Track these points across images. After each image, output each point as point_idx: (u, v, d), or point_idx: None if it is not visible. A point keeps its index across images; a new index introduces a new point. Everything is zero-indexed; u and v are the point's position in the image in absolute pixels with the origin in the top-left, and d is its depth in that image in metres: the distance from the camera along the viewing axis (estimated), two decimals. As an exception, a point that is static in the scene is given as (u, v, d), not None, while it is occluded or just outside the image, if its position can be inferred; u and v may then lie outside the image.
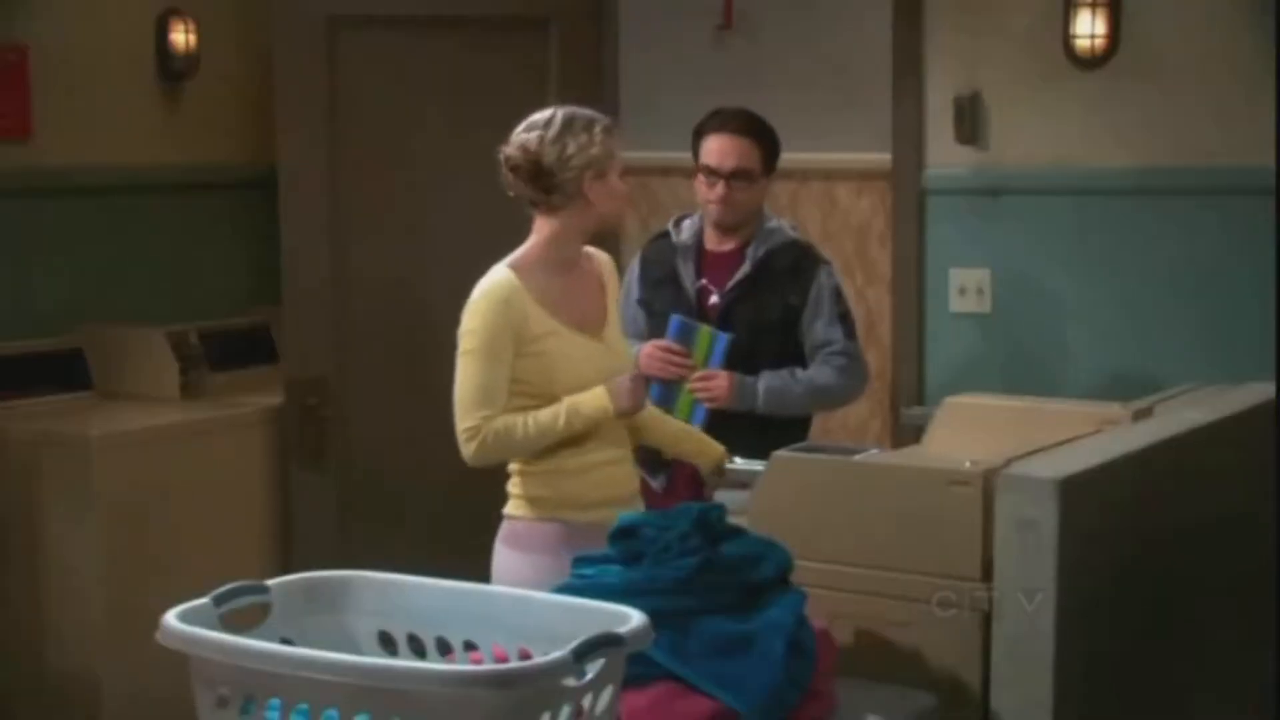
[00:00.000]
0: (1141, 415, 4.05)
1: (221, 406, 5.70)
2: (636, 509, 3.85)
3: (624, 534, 3.29)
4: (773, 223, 4.80)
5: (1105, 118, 5.20)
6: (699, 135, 4.81)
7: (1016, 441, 3.68)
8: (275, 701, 2.76)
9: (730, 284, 4.69)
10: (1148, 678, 3.69)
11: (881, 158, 6.38)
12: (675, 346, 4.59)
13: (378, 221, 5.64)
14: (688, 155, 4.90)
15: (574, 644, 2.69)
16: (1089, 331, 5.27)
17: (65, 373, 5.65)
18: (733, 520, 3.40)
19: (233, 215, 6.37)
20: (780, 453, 3.77)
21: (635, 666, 2.88)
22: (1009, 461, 3.47)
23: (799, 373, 4.66)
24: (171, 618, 2.85)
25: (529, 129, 4.05)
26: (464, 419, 4.01)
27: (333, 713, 2.71)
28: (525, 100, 5.63)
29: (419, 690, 2.67)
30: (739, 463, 4.13)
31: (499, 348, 3.97)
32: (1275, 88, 4.68)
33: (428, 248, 5.70)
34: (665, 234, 4.88)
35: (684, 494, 4.52)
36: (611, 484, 4.05)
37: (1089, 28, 5.14)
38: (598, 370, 3.97)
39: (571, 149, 3.95)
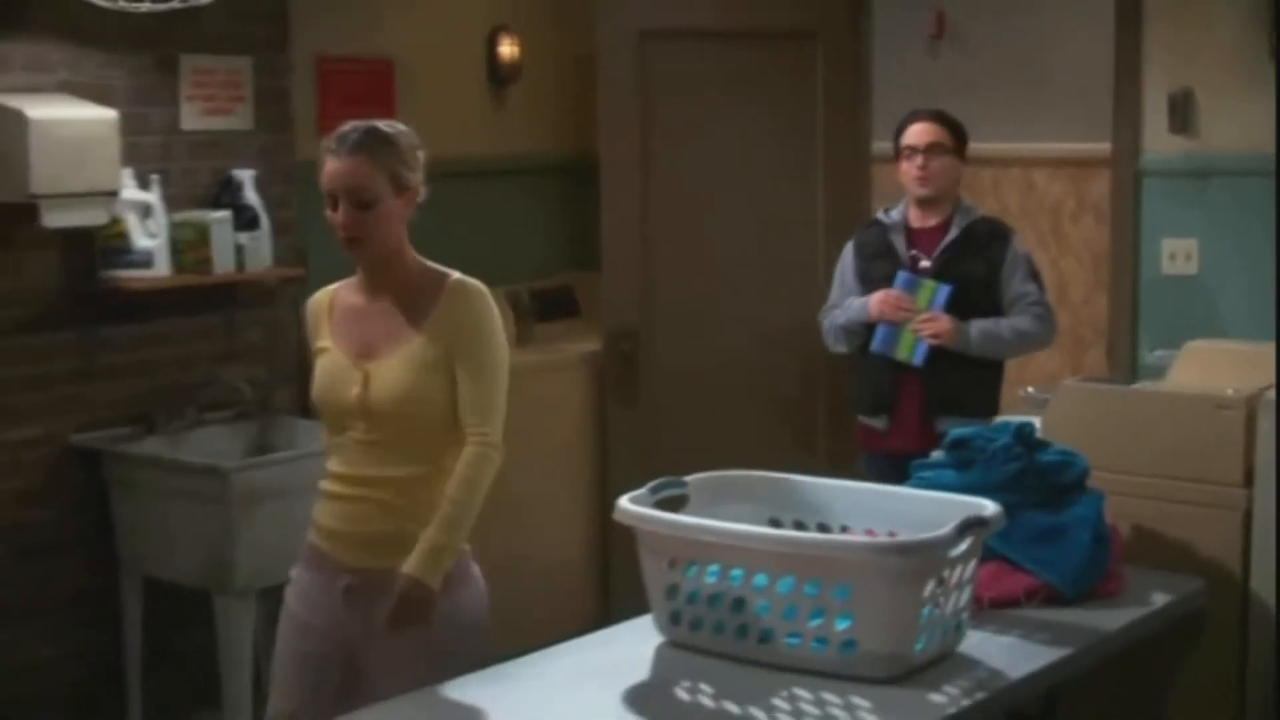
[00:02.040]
0: None
1: (549, 352, 5.83)
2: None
3: (957, 444, 3.46)
4: (967, 203, 4.85)
5: None
6: (899, 131, 4.85)
7: (1252, 377, 3.75)
8: (715, 567, 3.04)
9: (939, 249, 4.71)
10: None
11: (1087, 147, 6.48)
12: (903, 295, 4.64)
13: (678, 202, 5.72)
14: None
15: (954, 523, 2.94)
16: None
17: None
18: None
19: (545, 196, 6.46)
20: (1068, 381, 3.96)
21: (974, 549, 3.05)
22: (1264, 390, 3.59)
23: (1004, 320, 4.67)
24: (624, 502, 3.14)
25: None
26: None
27: (762, 576, 2.98)
28: (796, 100, 5.87)
29: (837, 557, 2.93)
30: (1032, 390, 4.32)
31: None
32: (1275, 86, 4.77)
33: (716, 223, 5.78)
34: (875, 221, 4.90)
35: (904, 431, 4.67)
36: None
37: None
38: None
39: None
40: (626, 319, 5.69)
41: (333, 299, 3.41)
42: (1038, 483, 3.40)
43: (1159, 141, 5.41)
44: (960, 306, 4.62)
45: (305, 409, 5.44)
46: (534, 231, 6.46)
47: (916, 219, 4.79)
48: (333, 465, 3.35)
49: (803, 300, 5.80)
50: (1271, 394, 3.57)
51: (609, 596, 5.74)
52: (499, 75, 6.27)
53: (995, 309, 4.70)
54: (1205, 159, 5.34)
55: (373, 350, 3.28)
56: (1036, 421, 3.60)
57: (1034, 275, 4.77)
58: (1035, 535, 3.34)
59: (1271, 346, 4.33)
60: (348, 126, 3.31)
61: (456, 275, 3.37)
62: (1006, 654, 3.07)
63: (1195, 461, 3.60)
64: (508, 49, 6.26)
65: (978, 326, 4.63)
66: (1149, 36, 5.42)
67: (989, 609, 3.23)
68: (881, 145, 6.02)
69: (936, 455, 3.55)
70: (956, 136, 4.79)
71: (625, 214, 5.66)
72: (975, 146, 7.32)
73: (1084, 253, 6.91)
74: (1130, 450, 3.66)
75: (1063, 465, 3.45)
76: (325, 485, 3.36)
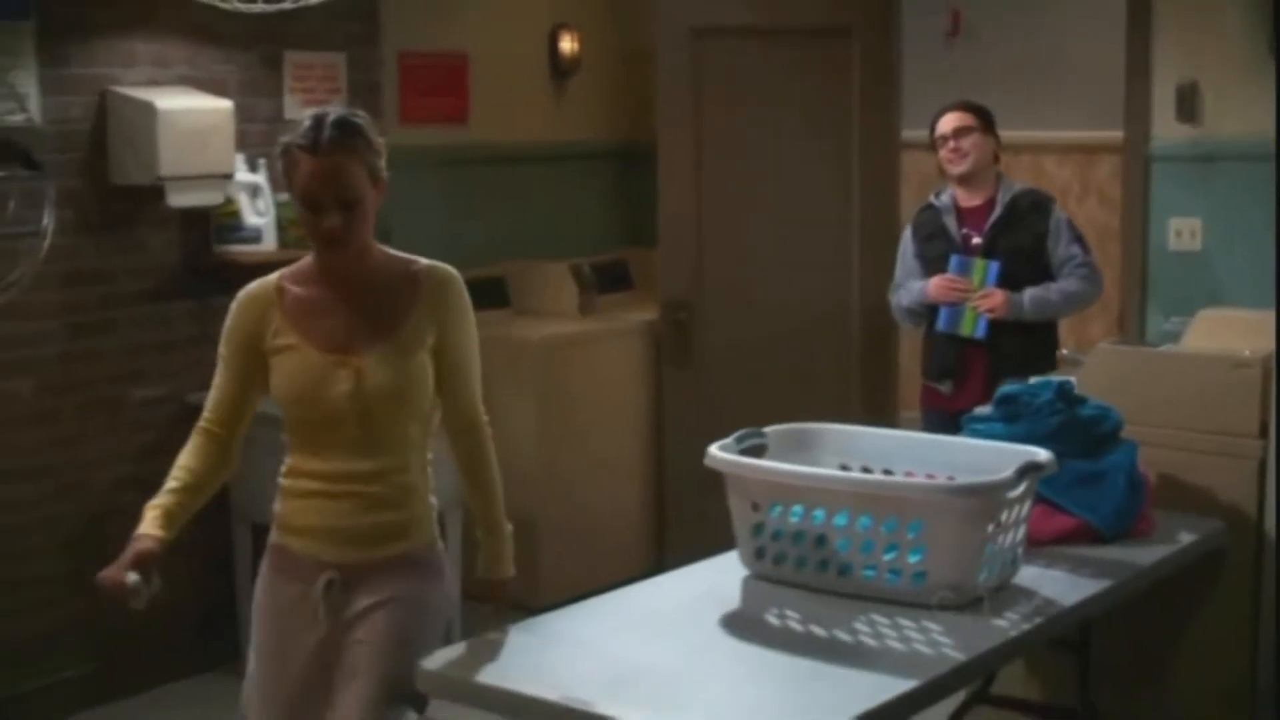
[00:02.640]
0: None
1: (609, 320, 5.90)
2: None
3: (1005, 400, 3.59)
4: (1008, 179, 4.92)
5: None
6: (933, 125, 4.90)
7: (1257, 341, 3.84)
8: (798, 507, 3.17)
9: (988, 225, 4.76)
10: None
11: (1092, 134, 6.58)
12: (957, 278, 4.73)
13: (727, 185, 5.78)
14: (923, 134, 4.99)
15: (1014, 468, 3.07)
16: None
17: (490, 295, 5.80)
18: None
19: (601, 179, 6.53)
20: (1103, 344, 4.07)
21: (1021, 493, 3.14)
22: (1277, 351, 3.66)
23: (1053, 285, 4.71)
24: (714, 450, 3.23)
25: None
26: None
27: (842, 516, 3.10)
28: (833, 92, 5.94)
29: (911, 498, 3.05)
30: (1067, 352, 4.42)
31: None
32: (1275, 78, 4.79)
33: (762, 205, 5.84)
34: (928, 205, 4.92)
35: (970, 393, 4.66)
36: None
37: None
38: None
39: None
40: (681, 291, 5.76)
41: (278, 291, 3.00)
42: (1078, 434, 3.50)
43: (1167, 129, 5.46)
44: (1012, 277, 4.70)
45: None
46: (591, 211, 6.54)
47: (964, 198, 4.86)
48: (309, 463, 2.97)
49: (839, 274, 5.93)
50: (1286, 356, 3.68)
51: (664, 542, 5.84)
52: (560, 68, 6.36)
53: (1045, 274, 4.76)
54: (1209, 146, 5.40)
55: (351, 345, 2.91)
56: (1073, 379, 3.70)
57: (1078, 239, 4.83)
58: (1077, 481, 3.45)
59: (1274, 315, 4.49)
60: (309, 119, 2.90)
61: (426, 262, 3.02)
62: (1056, 585, 3.19)
63: (1215, 415, 3.70)
64: (568, 44, 6.35)
65: (1030, 295, 4.70)
66: (1158, 34, 5.47)
67: (1037, 546, 3.34)
68: (908, 134, 6.20)
69: (984, 410, 3.66)
70: (981, 118, 4.86)
71: (680, 195, 5.74)
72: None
73: (1089, 231, 6.91)
74: (1157, 405, 3.75)
75: (1100, 418, 3.56)
76: (300, 484, 2.99)
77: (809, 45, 5.88)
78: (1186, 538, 3.54)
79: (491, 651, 2.87)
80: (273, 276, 3.03)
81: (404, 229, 5.68)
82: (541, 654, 2.86)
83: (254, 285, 3.03)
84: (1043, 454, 3.16)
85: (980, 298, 4.71)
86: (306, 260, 3.05)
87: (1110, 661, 3.81)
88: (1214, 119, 5.40)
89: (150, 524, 2.91)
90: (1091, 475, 3.49)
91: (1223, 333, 4.22)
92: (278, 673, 2.97)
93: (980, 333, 4.72)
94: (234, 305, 3.04)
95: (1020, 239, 4.77)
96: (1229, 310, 4.56)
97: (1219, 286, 5.37)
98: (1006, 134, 7.22)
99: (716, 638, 2.95)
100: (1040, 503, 3.40)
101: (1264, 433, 3.65)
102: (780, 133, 5.87)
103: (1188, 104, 5.41)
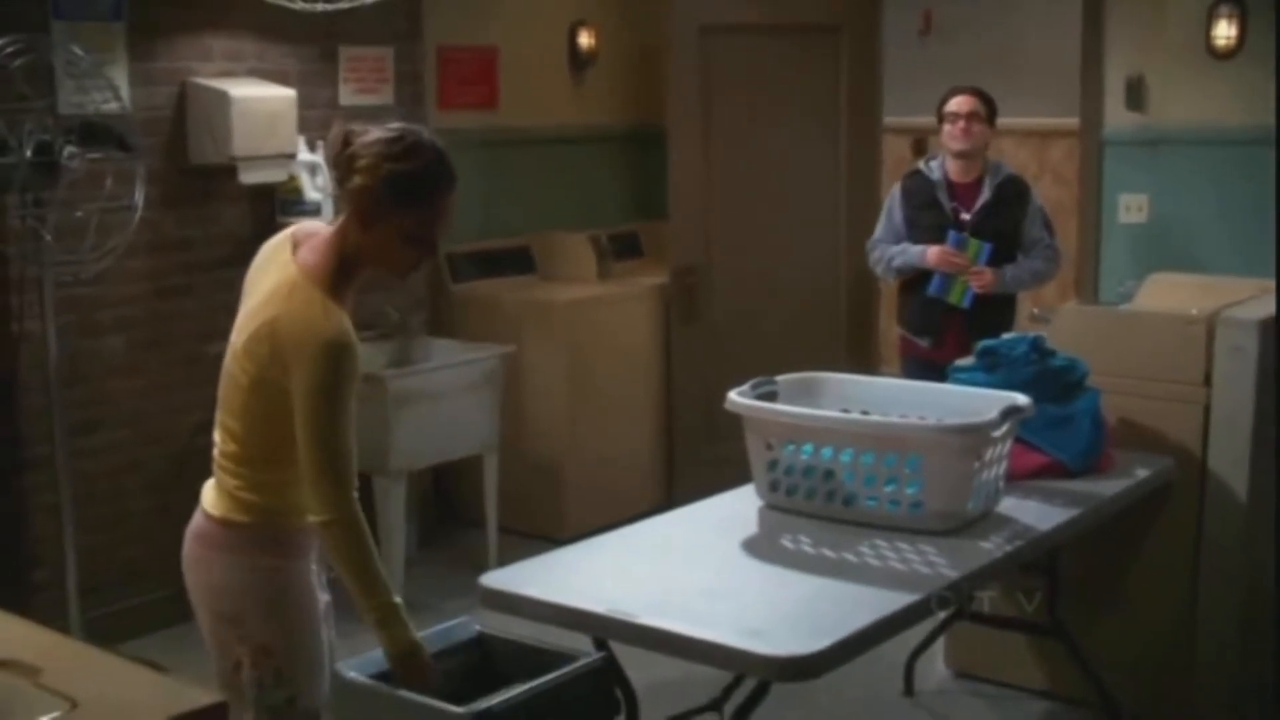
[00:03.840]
0: None
1: (625, 285, 5.87)
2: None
3: (986, 352, 3.62)
4: (996, 163, 4.90)
5: (1231, 95, 5.22)
6: (943, 103, 4.86)
7: (1205, 301, 3.87)
8: (809, 445, 3.21)
9: (977, 206, 4.76)
10: None
11: (1048, 121, 6.60)
12: (955, 252, 4.72)
13: (730, 164, 5.80)
14: (898, 119, 4.99)
15: (997, 410, 3.13)
16: (1215, 235, 5.29)
17: (518, 262, 5.93)
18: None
19: (615, 159, 6.52)
20: (1070, 304, 4.12)
21: (1009, 431, 3.17)
22: (1219, 310, 3.72)
23: (1025, 263, 4.76)
24: (733, 395, 3.27)
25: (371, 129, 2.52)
26: None
27: (848, 452, 3.14)
28: (823, 81, 5.98)
29: (910, 436, 3.10)
30: (1038, 311, 4.47)
31: None
32: (1275, 78, 4.81)
33: (760, 181, 5.85)
34: (917, 171, 4.87)
35: (950, 350, 4.62)
36: None
37: (1225, 31, 5.17)
38: None
39: (359, 165, 2.47)
40: (689, 258, 5.77)
41: None
42: (1050, 382, 3.55)
43: (1117, 116, 5.52)
44: (994, 255, 4.73)
45: (436, 329, 5.62)
46: (607, 188, 6.53)
47: (956, 173, 4.83)
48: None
49: (828, 242, 5.99)
50: (1227, 313, 3.71)
51: (672, 479, 5.89)
52: (579, 60, 6.35)
53: (1017, 250, 4.81)
54: (1155, 131, 5.46)
55: None
56: (1045, 334, 3.75)
57: (1046, 224, 4.86)
58: (1049, 423, 3.48)
59: (1219, 279, 4.52)
60: (428, 146, 2.46)
61: None
62: (1032, 513, 3.25)
63: (1166, 366, 3.73)
64: (586, 39, 6.34)
65: (1010, 272, 4.75)
66: (1109, 31, 5.52)
67: (1013, 480, 3.38)
68: (887, 120, 6.22)
69: (967, 361, 3.71)
70: (988, 108, 4.86)
71: (689, 173, 5.74)
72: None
73: (1046, 206, 7.05)
74: (1117, 357, 3.78)
75: (1069, 368, 3.61)
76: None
77: (803, 41, 5.91)
78: (1141, 473, 3.59)
79: (537, 571, 2.91)
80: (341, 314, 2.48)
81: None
82: (590, 572, 2.91)
83: (352, 336, 2.47)
84: (1022, 399, 3.21)
85: (974, 274, 4.73)
86: (326, 293, 2.47)
87: (1074, 583, 3.86)
88: (1158, 107, 5.45)
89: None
90: (1061, 419, 3.54)
91: (1170, 294, 4.26)
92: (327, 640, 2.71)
93: (966, 303, 4.76)
94: (354, 349, 2.47)
95: (1003, 223, 4.79)
96: (1176, 275, 4.59)
97: (1162, 255, 5.42)
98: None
99: (740, 559, 3.00)
100: (1017, 442, 3.43)
101: (1208, 381, 3.69)
102: (777, 118, 5.89)
103: (1135, 94, 5.45)
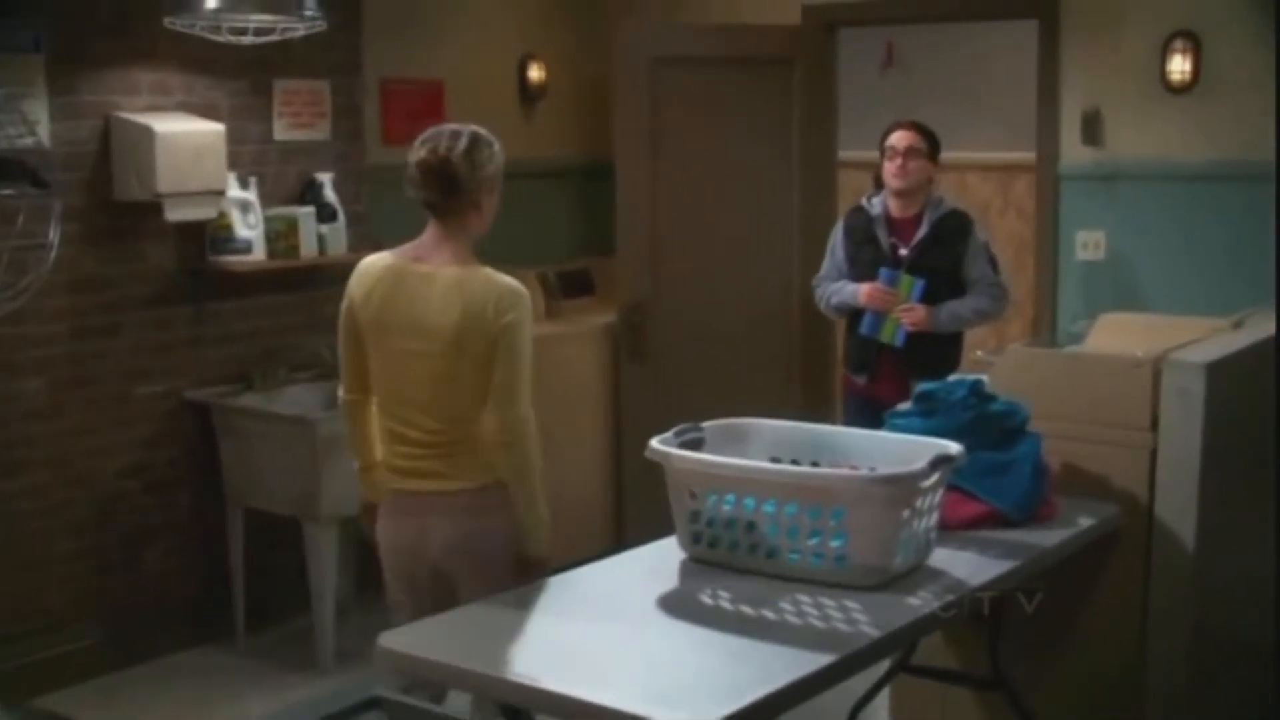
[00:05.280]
0: (1237, 325, 4.17)
1: (573, 323, 5.80)
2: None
3: (923, 397, 3.49)
4: (938, 197, 4.83)
5: (1187, 129, 5.18)
6: (884, 137, 4.80)
7: (1155, 341, 3.75)
8: (731, 495, 3.08)
9: (915, 241, 4.70)
10: (1251, 500, 3.83)
11: (1012, 155, 6.53)
12: (887, 289, 4.66)
13: (682, 199, 5.71)
14: (859, 154, 4.94)
15: (927, 459, 3.00)
16: (1172, 272, 5.23)
17: None
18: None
19: (566, 194, 6.43)
20: (1014, 346, 4.00)
21: (937, 481, 3.06)
22: (1166, 352, 3.60)
23: (966, 301, 4.68)
24: (655, 443, 3.16)
25: (446, 139, 3.28)
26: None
27: (771, 503, 3.01)
28: (778, 115, 5.88)
29: (834, 487, 2.98)
30: (981, 354, 4.36)
31: None
32: (1275, 86, 4.67)
33: (712, 216, 5.77)
34: (860, 208, 4.82)
35: (885, 386, 4.66)
36: None
37: (1180, 65, 5.10)
38: None
39: (479, 162, 3.28)
40: (639, 294, 5.69)
41: None
42: (988, 427, 3.43)
43: (1073, 151, 5.45)
44: (931, 292, 4.65)
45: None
46: (557, 223, 6.45)
47: (896, 209, 4.77)
48: None
49: (781, 279, 5.88)
50: (1174, 355, 3.61)
51: (622, 522, 5.78)
52: (528, 94, 6.28)
53: (959, 289, 4.72)
54: (1111, 166, 5.39)
55: None
56: (985, 378, 3.64)
57: (991, 260, 4.77)
58: (987, 470, 3.37)
59: (1171, 318, 4.43)
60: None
61: None
62: (966, 566, 3.12)
63: (1112, 410, 3.62)
64: (535, 73, 6.28)
65: (946, 309, 4.66)
66: (1065, 65, 5.46)
67: (949, 531, 3.26)
68: (844, 154, 6.14)
69: (906, 406, 3.60)
70: (930, 144, 4.79)
71: (637, 209, 5.66)
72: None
73: (1008, 243, 6.99)
74: (1061, 401, 3.66)
75: (1009, 413, 3.48)
76: None
77: (757, 73, 5.84)
78: (1085, 521, 3.46)
79: (440, 630, 2.79)
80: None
81: (391, 239, 5.60)
82: (494, 633, 2.78)
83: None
84: (954, 447, 3.09)
85: (904, 310, 4.66)
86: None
87: (1019, 634, 3.74)
88: (1115, 142, 5.39)
89: None
90: (1000, 465, 3.41)
91: (1121, 334, 4.19)
92: None
93: (899, 341, 4.68)
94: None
95: (942, 259, 4.71)
96: (1127, 314, 4.51)
97: (1119, 292, 5.36)
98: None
99: (655, 616, 2.87)
100: (953, 490, 3.32)
101: (1155, 425, 3.58)
102: (729, 153, 5.81)
103: (1092, 128, 5.39)
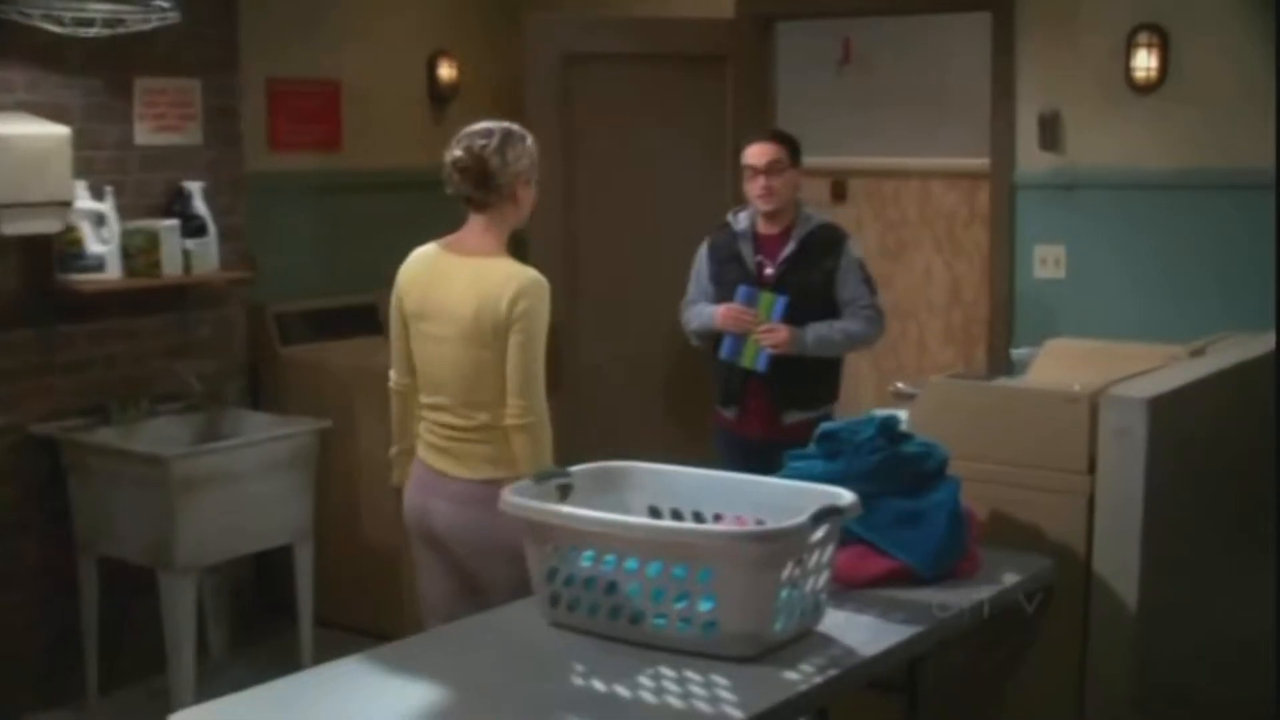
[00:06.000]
0: (1196, 353, 4.01)
1: None
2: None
3: (826, 437, 3.30)
4: (808, 211, 4.67)
5: (1155, 132, 5.07)
6: (741, 153, 4.64)
7: (1104, 372, 3.62)
8: (590, 552, 2.88)
9: (781, 258, 4.55)
10: (1206, 552, 3.67)
11: (978, 162, 6.35)
12: (744, 309, 4.50)
13: (600, 209, 5.57)
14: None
15: (810, 513, 2.79)
16: (1139, 292, 5.14)
17: (361, 322, 5.59)
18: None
19: None
20: (934, 378, 3.80)
21: (838, 532, 2.90)
22: (1107, 386, 3.44)
23: (836, 323, 4.53)
24: (507, 494, 2.94)
25: (478, 137, 3.64)
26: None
27: (633, 561, 2.82)
28: (708, 118, 5.72)
29: (700, 544, 2.77)
30: (902, 386, 4.17)
31: None
32: (1275, 91, 4.60)
33: (634, 231, 5.62)
34: (725, 224, 4.69)
35: (754, 421, 4.56)
36: None
37: (1145, 62, 5.01)
38: None
39: (511, 157, 3.59)
40: (552, 315, 5.47)
41: None
42: (899, 471, 3.24)
43: (1030, 157, 5.33)
44: (799, 312, 4.49)
45: (253, 401, 5.28)
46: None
47: (763, 226, 4.62)
48: None
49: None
50: (1114, 390, 3.43)
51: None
52: (439, 94, 6.14)
53: (833, 310, 4.56)
54: (1071, 174, 5.27)
55: None
56: (903, 414, 3.45)
57: (866, 280, 4.60)
58: (896, 520, 3.18)
59: (1125, 345, 4.26)
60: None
61: None
62: (864, 631, 2.92)
63: (1045, 451, 3.45)
64: (447, 71, 6.14)
65: (813, 332, 4.50)
66: (1020, 62, 5.33)
67: (851, 589, 3.08)
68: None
69: (810, 448, 3.39)
70: (792, 151, 4.60)
71: (549, 220, 5.44)
72: (879, 159, 7.23)
73: (975, 256, 6.83)
74: (989, 440, 3.49)
75: (923, 455, 3.30)
76: None
77: (682, 71, 5.70)
78: (1011, 578, 3.25)
79: (239, 710, 2.57)
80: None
81: (275, 255, 5.40)
82: (305, 713, 2.57)
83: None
84: (847, 496, 2.88)
85: (764, 331, 4.49)
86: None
87: (941, 700, 3.52)
88: (1075, 147, 5.26)
89: None
90: (911, 514, 3.21)
91: (1069, 362, 3.99)
92: None
93: (761, 366, 4.51)
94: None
95: (811, 276, 4.55)
96: (1077, 340, 4.33)
97: (1082, 314, 5.23)
98: (897, 160, 7.01)
99: (497, 693, 2.65)
100: (857, 543, 3.15)
101: (1092, 468, 3.39)
102: (654, 159, 5.67)
103: (1050, 132, 5.25)
